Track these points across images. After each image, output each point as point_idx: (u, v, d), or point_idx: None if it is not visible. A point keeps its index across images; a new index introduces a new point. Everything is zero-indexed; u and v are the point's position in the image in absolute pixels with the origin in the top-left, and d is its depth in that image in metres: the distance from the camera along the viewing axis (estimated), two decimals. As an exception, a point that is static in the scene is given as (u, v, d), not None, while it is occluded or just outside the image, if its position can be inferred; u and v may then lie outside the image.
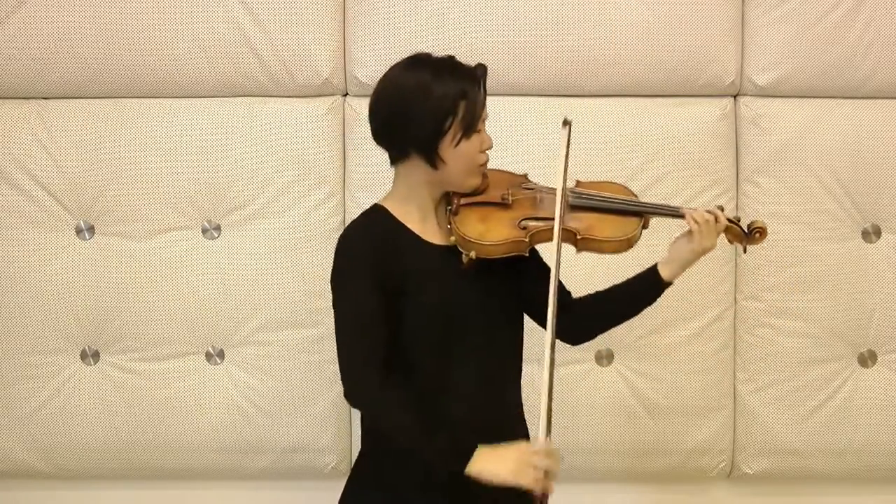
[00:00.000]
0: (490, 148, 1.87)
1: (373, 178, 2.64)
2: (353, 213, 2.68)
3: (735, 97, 2.72)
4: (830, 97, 2.70)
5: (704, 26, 2.64)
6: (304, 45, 2.64)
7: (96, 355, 2.75)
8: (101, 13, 2.63)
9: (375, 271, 1.80)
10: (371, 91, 2.63)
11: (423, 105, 1.79)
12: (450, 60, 1.85)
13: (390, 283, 1.81)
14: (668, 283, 1.94)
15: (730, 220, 1.97)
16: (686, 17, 2.64)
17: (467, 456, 1.73)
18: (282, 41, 2.64)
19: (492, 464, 1.73)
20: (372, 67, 2.65)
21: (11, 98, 2.69)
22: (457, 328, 1.86)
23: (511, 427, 1.97)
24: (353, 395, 1.81)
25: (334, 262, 1.85)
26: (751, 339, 2.74)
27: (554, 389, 2.67)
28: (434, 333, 1.85)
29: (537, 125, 2.64)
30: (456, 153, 1.82)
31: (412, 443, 1.78)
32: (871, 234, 2.72)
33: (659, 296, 1.97)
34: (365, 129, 2.63)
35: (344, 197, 2.71)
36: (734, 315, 2.75)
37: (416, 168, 1.85)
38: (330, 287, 1.85)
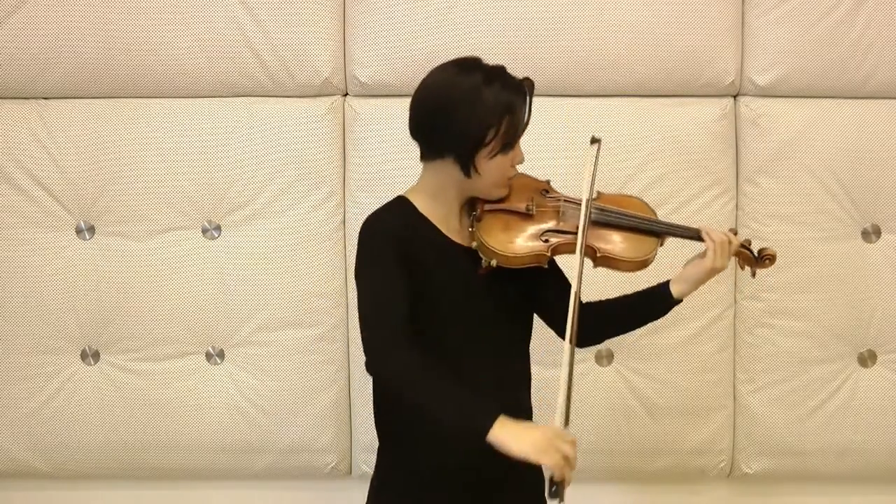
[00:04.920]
0: (521, 163, 1.89)
1: (373, 178, 2.64)
2: (353, 213, 2.69)
3: (735, 97, 2.72)
4: (830, 97, 2.70)
5: (704, 26, 2.64)
6: (304, 45, 2.65)
7: (96, 355, 2.75)
8: (101, 13, 2.63)
9: (400, 257, 1.80)
10: (371, 91, 2.67)
11: (470, 112, 1.78)
12: (502, 70, 1.85)
13: (410, 272, 1.80)
14: (678, 301, 1.97)
15: (743, 246, 2.00)
16: (686, 17, 2.64)
17: (490, 418, 1.63)
18: (282, 41, 2.64)
19: (516, 435, 1.63)
20: (372, 67, 2.65)
21: (11, 98, 2.69)
22: (466, 329, 1.86)
23: None
24: (379, 365, 1.73)
25: (359, 246, 1.84)
26: (751, 339, 2.74)
27: (555, 389, 2.68)
28: (443, 331, 1.85)
29: (537, 125, 2.63)
30: (490, 165, 1.83)
31: (438, 405, 1.69)
32: (871, 234, 2.72)
33: (667, 312, 1.99)
34: (365, 128, 2.67)
35: (344, 197, 2.71)
36: (734, 315, 2.75)
37: (447, 169, 1.85)
38: (354, 274, 1.84)
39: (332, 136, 2.69)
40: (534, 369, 2.04)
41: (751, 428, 2.77)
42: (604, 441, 2.74)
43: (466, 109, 1.78)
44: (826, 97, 2.70)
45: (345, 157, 2.71)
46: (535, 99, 2.62)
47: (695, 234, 1.97)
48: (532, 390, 2.04)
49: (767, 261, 2.02)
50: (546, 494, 1.67)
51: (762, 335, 2.74)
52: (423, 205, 1.88)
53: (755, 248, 2.02)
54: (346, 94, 2.72)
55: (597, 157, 1.95)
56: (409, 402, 1.75)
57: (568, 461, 1.64)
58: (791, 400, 2.75)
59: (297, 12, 2.63)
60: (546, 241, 1.89)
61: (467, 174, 1.83)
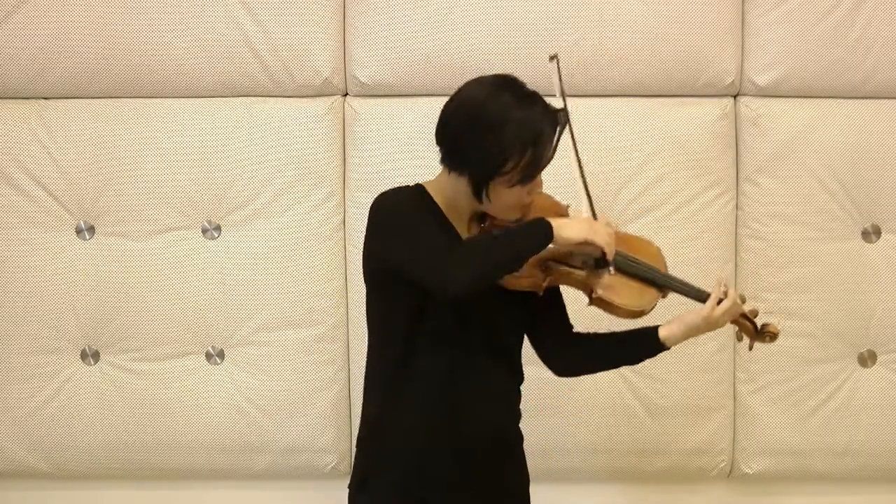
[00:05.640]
0: (539, 189, 1.86)
1: (373, 178, 2.64)
2: (353, 213, 2.69)
3: (735, 97, 2.72)
4: (830, 97, 2.70)
5: (704, 26, 2.64)
6: (304, 45, 2.65)
7: (96, 355, 2.75)
8: (101, 13, 2.63)
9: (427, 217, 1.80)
10: (371, 91, 2.67)
11: (495, 139, 1.74)
12: (536, 97, 1.81)
13: None
14: (666, 348, 1.94)
15: (745, 316, 1.97)
16: (686, 17, 2.64)
17: (544, 221, 1.76)
18: (282, 41, 2.64)
19: (570, 225, 1.77)
20: (372, 67, 2.65)
21: (11, 98, 2.69)
22: (461, 332, 1.85)
23: (508, 439, 1.99)
24: (455, 277, 1.71)
25: (374, 216, 1.81)
26: (751, 339, 2.74)
27: (555, 389, 2.69)
28: (440, 325, 1.84)
29: (537, 125, 2.64)
30: (505, 193, 1.79)
31: (508, 250, 1.74)
32: (871, 234, 2.72)
33: (652, 356, 1.97)
34: (365, 128, 2.67)
35: (344, 197, 2.71)
36: (734, 315, 2.75)
37: (462, 184, 1.82)
38: (376, 239, 1.82)
39: (332, 136, 2.69)
40: (533, 369, 2.05)
41: (751, 428, 2.76)
42: (604, 441, 2.74)
43: (491, 133, 1.74)
44: (826, 97, 2.69)
45: (345, 157, 2.71)
46: (535, 99, 2.66)
47: (702, 298, 1.93)
48: (530, 391, 2.05)
49: (768, 337, 1.99)
50: (597, 268, 1.82)
51: (762, 335, 2.73)
52: (438, 199, 1.88)
53: (760, 321, 1.99)
54: (346, 94, 2.72)
55: (559, 72, 1.94)
56: (494, 271, 1.78)
57: (612, 236, 1.81)
58: (791, 400, 2.75)
59: (297, 12, 2.63)
60: (545, 269, 1.85)
61: (478, 199, 1.81)
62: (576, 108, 2.59)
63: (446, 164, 1.84)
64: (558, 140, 1.80)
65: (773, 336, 1.99)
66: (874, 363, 2.76)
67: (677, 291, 1.94)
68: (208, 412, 2.74)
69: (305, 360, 2.73)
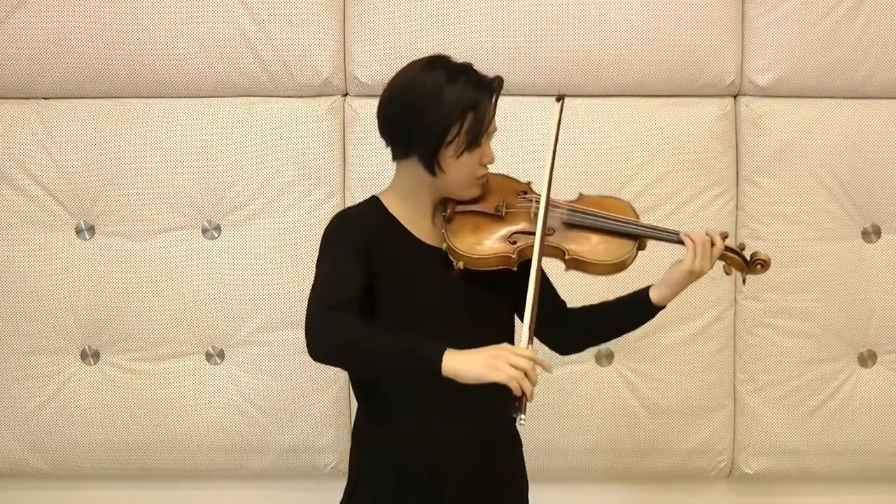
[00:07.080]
0: (491, 163, 1.86)
1: (373, 178, 2.64)
2: (353, 213, 2.69)
3: (735, 97, 2.72)
4: (830, 97, 2.70)
5: (704, 26, 2.65)
6: (304, 45, 2.65)
7: (96, 355, 2.75)
8: (101, 13, 2.63)
9: (362, 252, 1.78)
10: (371, 91, 2.67)
11: (432, 109, 1.77)
12: (467, 68, 1.83)
13: (376, 273, 1.79)
14: (659, 307, 1.92)
15: (731, 249, 1.92)
16: (686, 17, 2.64)
17: (439, 353, 1.62)
18: (282, 41, 2.64)
19: (465, 361, 1.61)
20: (372, 67, 2.65)
21: (11, 98, 2.69)
22: (441, 331, 1.79)
23: (501, 438, 1.95)
24: (316, 337, 1.69)
25: (322, 238, 1.83)
26: (751, 339, 2.74)
27: (555, 389, 2.69)
28: (417, 332, 1.80)
29: (537, 125, 2.64)
30: (456, 164, 1.81)
31: (380, 355, 1.66)
32: (871, 234, 2.72)
33: (649, 318, 1.94)
34: (365, 128, 2.67)
35: (344, 197, 2.71)
36: (734, 315, 2.75)
37: (415, 169, 1.84)
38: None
39: (332, 136, 2.69)
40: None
41: (751, 428, 2.77)
42: (604, 441, 2.74)
43: (428, 107, 1.77)
44: (826, 97, 2.70)
45: (345, 157, 2.71)
46: (534, 99, 2.67)
47: (674, 237, 1.90)
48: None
49: (759, 266, 1.93)
50: (511, 413, 1.62)
51: (762, 335, 2.74)
52: (394, 206, 1.88)
53: (749, 252, 1.94)
54: (346, 94, 2.72)
55: (560, 114, 1.90)
56: (353, 363, 1.74)
57: (526, 374, 1.60)
58: (791, 400, 2.75)
59: (297, 12, 2.63)
60: (513, 242, 1.84)
61: (432, 173, 1.82)
62: (576, 108, 2.63)
63: (395, 154, 1.86)
64: (496, 104, 1.81)
65: (765, 264, 1.92)
66: (874, 363, 2.76)
67: (650, 238, 1.90)
68: (208, 412, 2.74)
69: (305, 360, 2.67)
